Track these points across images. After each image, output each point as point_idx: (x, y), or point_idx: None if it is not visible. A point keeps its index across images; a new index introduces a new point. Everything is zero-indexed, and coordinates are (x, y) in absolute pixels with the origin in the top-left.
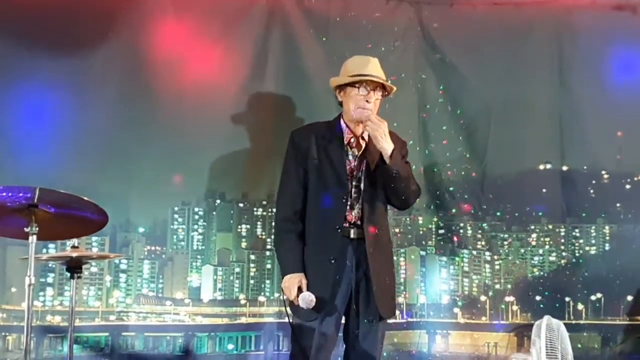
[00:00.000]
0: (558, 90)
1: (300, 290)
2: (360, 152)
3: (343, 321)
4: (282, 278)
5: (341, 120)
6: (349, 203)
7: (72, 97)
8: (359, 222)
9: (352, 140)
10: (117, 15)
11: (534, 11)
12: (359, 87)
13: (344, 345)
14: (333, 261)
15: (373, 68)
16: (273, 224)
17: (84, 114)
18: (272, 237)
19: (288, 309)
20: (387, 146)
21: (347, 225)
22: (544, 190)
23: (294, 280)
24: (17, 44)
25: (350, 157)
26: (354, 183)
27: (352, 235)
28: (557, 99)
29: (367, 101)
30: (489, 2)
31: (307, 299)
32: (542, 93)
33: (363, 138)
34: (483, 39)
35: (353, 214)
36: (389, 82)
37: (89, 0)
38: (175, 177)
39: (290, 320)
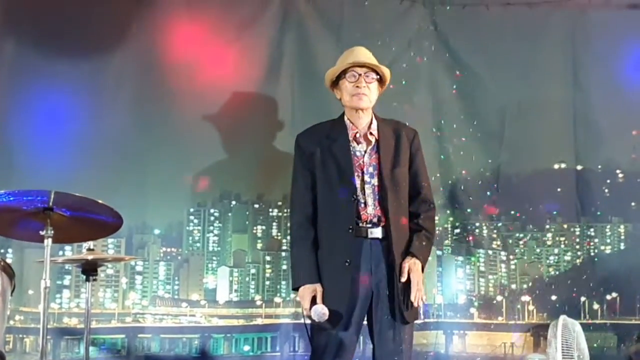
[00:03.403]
0: (572, 90)
1: (314, 301)
2: (369, 147)
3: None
4: (293, 288)
5: (344, 117)
6: (362, 201)
7: (88, 100)
8: (375, 220)
9: (358, 135)
10: (132, 18)
11: (547, 11)
12: (345, 76)
13: (372, 345)
14: (347, 263)
15: (357, 55)
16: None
17: (100, 116)
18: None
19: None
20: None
21: (364, 224)
22: (558, 189)
23: (307, 291)
24: (34, 47)
25: (358, 153)
26: (365, 179)
27: (369, 235)
28: (571, 98)
29: (357, 87)
30: (502, 2)
31: (320, 312)
32: (556, 92)
33: (372, 133)
34: (496, 40)
35: (368, 211)
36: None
37: (105, 3)
38: (190, 178)
39: (306, 324)
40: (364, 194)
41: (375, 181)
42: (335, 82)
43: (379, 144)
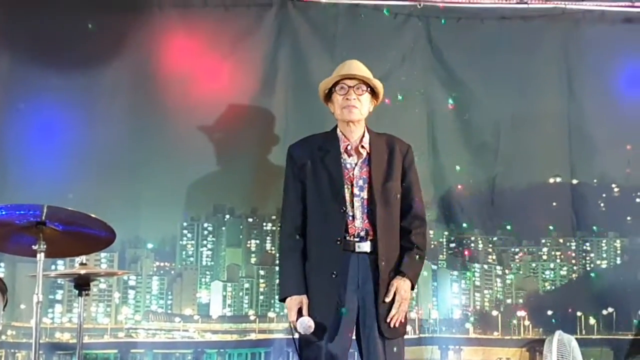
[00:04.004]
0: (567, 104)
1: (300, 313)
2: (360, 160)
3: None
4: (279, 299)
5: (337, 129)
6: (351, 214)
7: (82, 114)
8: (363, 234)
9: (349, 147)
10: (126, 32)
11: (542, 24)
12: (337, 90)
13: None
14: (334, 276)
15: (349, 68)
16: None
17: (94, 130)
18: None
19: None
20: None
21: (351, 237)
22: (554, 203)
23: (294, 302)
24: (28, 61)
25: (349, 166)
26: (355, 192)
27: (356, 249)
28: (566, 112)
29: (347, 99)
30: (497, 16)
31: (305, 325)
32: (551, 106)
33: (363, 146)
34: (491, 53)
35: (356, 225)
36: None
37: (99, 17)
38: (184, 192)
39: (294, 337)
40: (353, 207)
41: (364, 194)
42: (328, 96)
43: (370, 157)
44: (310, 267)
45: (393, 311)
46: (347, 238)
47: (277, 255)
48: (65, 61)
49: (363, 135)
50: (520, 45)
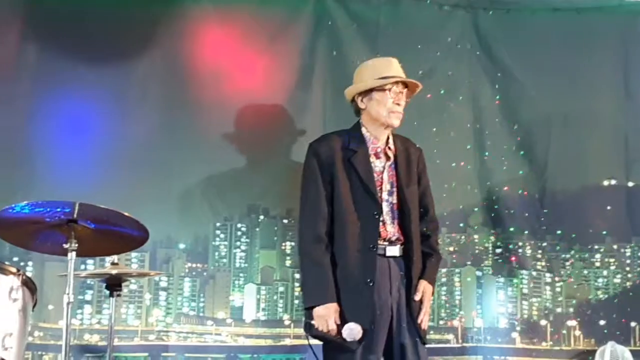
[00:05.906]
0: (623, 101)
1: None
2: (388, 163)
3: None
4: (307, 307)
5: (362, 129)
6: (382, 219)
7: (113, 109)
8: (394, 239)
9: (378, 150)
10: (159, 25)
11: (597, 17)
12: (389, 90)
13: None
14: (371, 283)
15: (397, 68)
16: (298, 247)
17: (125, 126)
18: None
19: (311, 340)
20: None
21: (383, 242)
22: (608, 207)
23: (332, 309)
24: (57, 55)
25: (377, 169)
26: (383, 197)
27: (388, 253)
28: (622, 110)
29: (398, 104)
30: (548, 7)
31: (355, 331)
32: (606, 104)
33: (390, 148)
34: (543, 47)
35: (388, 229)
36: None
37: (131, 9)
38: (217, 191)
39: (310, 344)
40: (382, 212)
41: (393, 199)
42: (366, 91)
43: (396, 161)
44: (342, 274)
45: (421, 314)
46: (380, 243)
47: (301, 261)
48: (95, 54)
49: (388, 138)
50: (573, 39)
